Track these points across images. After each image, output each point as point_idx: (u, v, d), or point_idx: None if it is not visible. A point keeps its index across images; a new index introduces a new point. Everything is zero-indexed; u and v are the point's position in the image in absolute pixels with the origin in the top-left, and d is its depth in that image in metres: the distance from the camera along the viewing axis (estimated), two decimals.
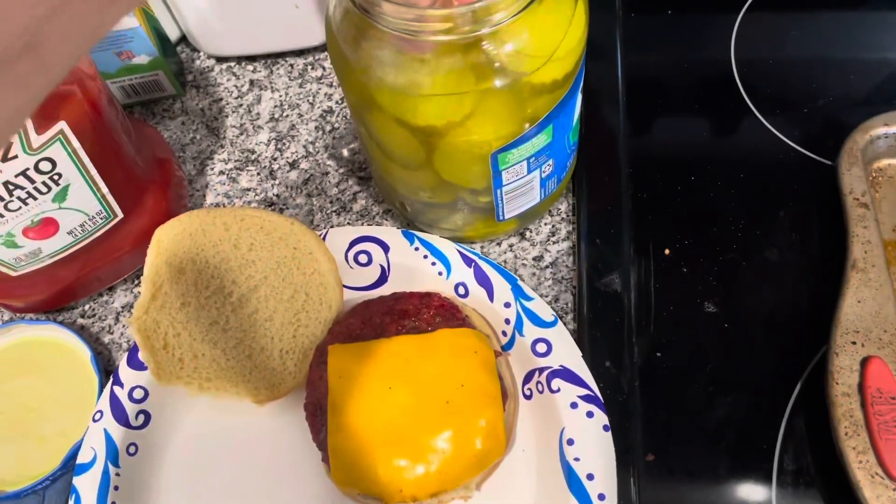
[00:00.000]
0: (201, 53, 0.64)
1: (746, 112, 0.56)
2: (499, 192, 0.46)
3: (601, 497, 0.43)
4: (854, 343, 0.44)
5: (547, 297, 0.52)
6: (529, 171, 0.46)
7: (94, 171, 0.46)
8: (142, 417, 0.48)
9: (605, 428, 0.45)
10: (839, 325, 0.44)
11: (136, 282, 0.54)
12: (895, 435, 0.41)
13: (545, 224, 0.54)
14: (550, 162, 0.47)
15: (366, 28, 0.39)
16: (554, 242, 0.53)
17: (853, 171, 0.49)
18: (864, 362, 0.43)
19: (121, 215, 0.50)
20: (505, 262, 0.53)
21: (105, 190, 0.48)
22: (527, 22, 0.39)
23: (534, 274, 0.53)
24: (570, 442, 0.45)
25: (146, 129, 0.54)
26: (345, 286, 0.51)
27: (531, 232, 0.54)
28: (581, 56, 0.43)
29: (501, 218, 0.50)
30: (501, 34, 0.38)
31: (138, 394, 0.48)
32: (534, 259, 0.53)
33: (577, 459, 0.44)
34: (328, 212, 0.56)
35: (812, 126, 0.55)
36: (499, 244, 0.54)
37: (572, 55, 0.42)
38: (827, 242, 0.50)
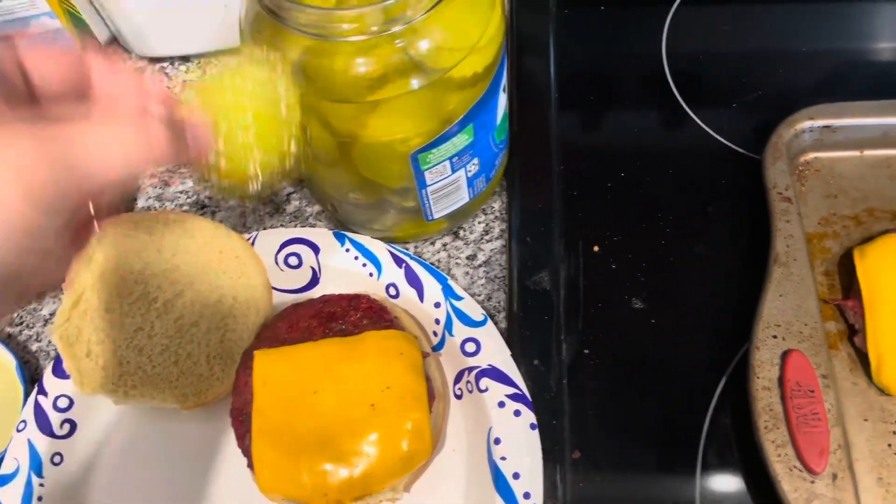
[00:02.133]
0: (132, 55, 0.63)
1: (677, 107, 0.56)
2: (423, 192, 0.46)
3: (526, 496, 0.43)
4: (775, 337, 0.44)
5: (480, 295, 0.52)
6: (454, 171, 0.46)
7: None
8: (67, 426, 0.48)
9: (532, 426, 0.45)
10: (761, 319, 0.44)
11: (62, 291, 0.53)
12: (813, 428, 0.41)
13: (479, 222, 0.54)
14: (476, 161, 0.47)
15: (277, 31, 0.39)
16: (487, 241, 0.53)
17: (777, 165, 0.49)
18: (785, 356, 0.43)
19: None
20: (438, 261, 0.53)
21: None
22: (442, 16, 0.38)
23: (467, 273, 0.52)
24: (497, 441, 0.45)
25: None
26: (276, 289, 0.51)
27: (465, 231, 0.54)
28: (500, 47, 0.43)
29: (430, 218, 0.50)
30: (416, 30, 0.38)
31: (63, 402, 0.47)
32: (467, 258, 0.53)
33: (503, 458, 0.44)
34: (261, 214, 0.55)
35: (741, 121, 0.55)
36: (432, 244, 0.54)
37: (491, 45, 0.41)
38: (754, 237, 0.50)
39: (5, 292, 0.25)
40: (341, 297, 0.48)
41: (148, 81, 0.30)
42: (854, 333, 0.46)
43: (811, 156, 0.52)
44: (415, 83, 0.39)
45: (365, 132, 0.41)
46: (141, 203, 0.56)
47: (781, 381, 0.43)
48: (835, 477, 0.40)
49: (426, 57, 0.39)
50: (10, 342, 0.52)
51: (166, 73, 0.62)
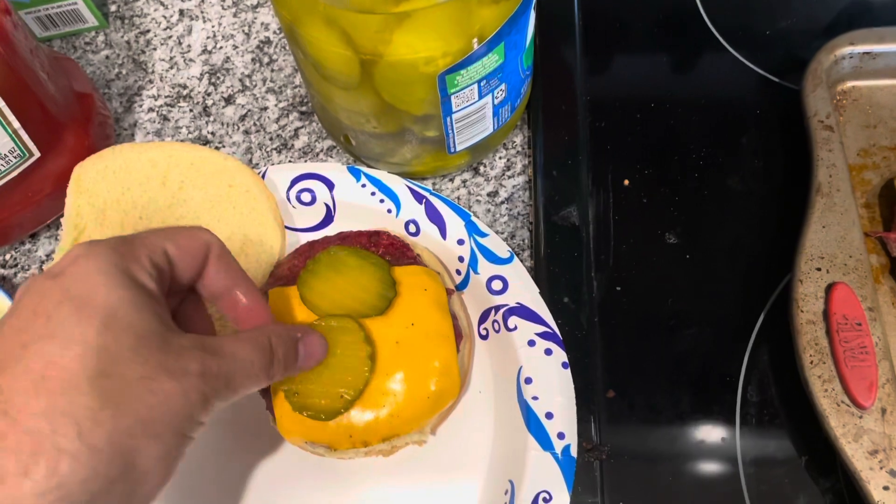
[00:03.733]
0: None
1: (708, 37, 0.53)
2: (448, 119, 0.43)
3: (560, 436, 0.41)
4: (819, 269, 0.42)
5: (503, 233, 0.49)
6: (481, 97, 0.43)
7: (2, 105, 0.42)
8: None
9: (564, 365, 0.43)
10: (804, 252, 0.42)
11: (60, 227, 0.50)
12: (861, 362, 0.40)
13: (500, 158, 0.51)
14: (503, 87, 0.44)
15: None
16: (509, 177, 0.51)
17: (818, 92, 0.46)
18: (829, 289, 0.41)
19: (37, 154, 0.45)
20: (458, 198, 0.50)
21: (17, 125, 0.43)
22: None
23: (489, 210, 0.50)
24: (528, 381, 0.43)
25: (63, 62, 0.49)
26: (289, 228, 0.48)
27: (485, 167, 0.51)
28: None
29: (453, 150, 0.47)
30: None
31: None
32: (488, 195, 0.50)
33: (535, 398, 0.42)
34: (268, 149, 0.52)
35: (775, 49, 0.53)
36: (451, 180, 0.51)
37: None
38: (791, 169, 0.48)
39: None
40: (360, 233, 0.45)
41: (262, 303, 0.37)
42: None
43: (849, 84, 0.49)
44: None
45: (390, 48, 0.38)
46: (139, 138, 0.53)
47: (826, 314, 0.41)
48: (884, 412, 0.39)
49: None
50: (5, 284, 0.49)
51: (161, 2, 0.58)
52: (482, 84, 0.42)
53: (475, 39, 0.38)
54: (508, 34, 0.40)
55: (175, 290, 0.34)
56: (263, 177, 0.48)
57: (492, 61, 0.41)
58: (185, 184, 0.45)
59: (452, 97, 0.41)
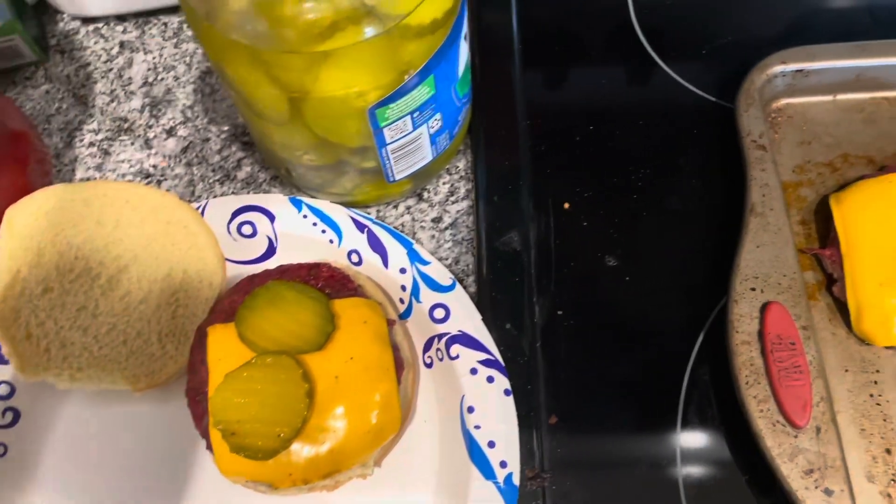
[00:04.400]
0: (65, 15, 0.59)
1: (645, 57, 0.54)
2: (384, 150, 0.43)
3: (503, 464, 0.41)
4: (753, 289, 0.42)
5: (447, 259, 0.49)
6: (415, 127, 0.43)
7: None
8: (10, 415, 0.44)
9: (507, 392, 0.43)
10: (738, 272, 0.43)
11: None
12: (795, 381, 0.40)
13: (443, 183, 0.51)
14: (438, 116, 0.44)
15: None
16: (453, 202, 0.51)
17: (751, 111, 0.47)
18: (764, 308, 0.42)
19: None
20: (402, 225, 0.50)
21: None
22: None
23: (433, 236, 0.50)
24: (471, 409, 0.43)
25: None
26: (230, 260, 0.48)
27: (429, 192, 0.51)
28: None
29: (392, 179, 0.47)
30: None
31: (4, 390, 0.44)
32: (433, 220, 0.50)
33: (477, 427, 0.42)
34: (210, 181, 0.52)
35: (711, 68, 0.53)
36: (395, 207, 0.51)
37: None
38: (729, 188, 0.48)
39: None
40: (300, 265, 0.45)
41: None
42: (832, 283, 0.45)
43: (784, 102, 0.50)
44: (368, 31, 0.36)
45: (316, 85, 0.38)
46: (80, 174, 0.53)
47: (761, 334, 0.41)
48: (818, 430, 0.39)
49: (380, 1, 0.36)
50: None
51: (102, 35, 0.58)
52: (415, 115, 0.42)
53: (403, 73, 0.39)
54: (437, 66, 0.40)
55: None
56: (204, 210, 0.48)
57: (422, 93, 0.41)
58: (120, 223, 0.45)
59: (385, 129, 0.41)
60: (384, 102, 0.39)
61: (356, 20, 0.36)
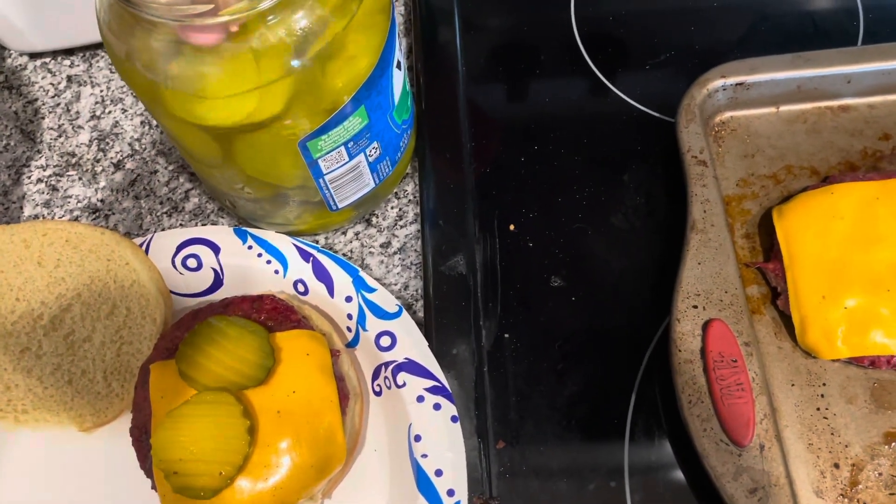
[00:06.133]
0: (12, 51, 0.58)
1: (589, 74, 0.54)
2: (321, 181, 0.43)
3: (450, 493, 0.41)
4: (696, 307, 0.42)
5: (396, 285, 0.49)
6: (351, 157, 0.43)
7: None
8: None
9: (454, 419, 0.43)
10: (680, 290, 0.43)
11: None
12: (738, 399, 0.40)
13: (392, 208, 0.51)
14: (376, 144, 0.44)
15: (134, 19, 0.35)
16: (402, 227, 0.51)
17: (691, 127, 0.47)
18: (706, 326, 0.42)
19: None
20: (351, 251, 0.50)
21: None
22: None
23: (382, 261, 0.50)
24: (418, 438, 0.42)
25: None
26: (176, 294, 0.48)
27: (377, 217, 0.51)
28: (387, 21, 0.40)
29: (335, 208, 0.47)
30: (286, 5, 0.35)
31: None
32: (381, 246, 0.50)
33: (424, 456, 0.42)
34: (158, 213, 0.52)
35: (655, 84, 0.53)
36: (344, 233, 0.51)
37: (375, 20, 0.38)
38: (672, 204, 0.48)
39: None
40: (244, 298, 0.45)
41: None
42: (777, 296, 0.45)
43: (727, 115, 0.50)
44: (294, 63, 0.36)
45: (241, 124, 0.37)
46: (28, 211, 0.52)
47: (703, 352, 0.41)
48: (762, 448, 0.39)
49: (301, 36, 0.36)
50: None
51: (49, 70, 0.58)
52: (349, 145, 0.42)
53: (332, 106, 0.38)
54: (368, 97, 0.40)
55: None
56: (149, 245, 0.48)
57: (355, 124, 0.41)
58: (61, 262, 0.44)
59: (319, 161, 0.41)
60: (315, 134, 0.39)
61: (277, 55, 0.36)
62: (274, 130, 0.38)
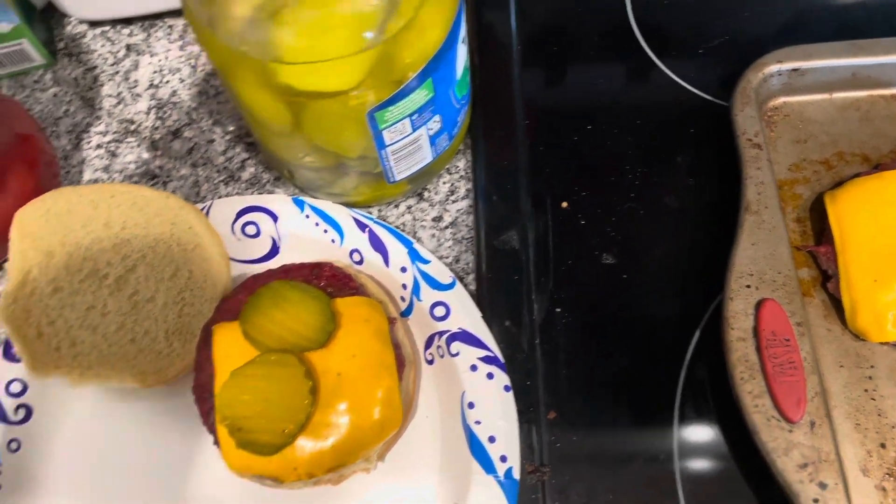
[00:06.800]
0: (73, 18, 0.59)
1: (643, 57, 0.54)
2: (384, 152, 0.44)
3: (503, 459, 0.42)
4: (749, 286, 0.43)
5: (448, 258, 0.50)
6: (414, 129, 0.44)
7: None
8: (22, 412, 0.45)
9: (506, 388, 0.44)
10: (734, 270, 0.43)
11: (4, 271, 0.51)
12: (790, 377, 0.41)
13: (444, 183, 0.52)
14: (437, 118, 0.45)
15: None
16: (453, 202, 0.52)
17: (746, 111, 0.48)
18: (759, 305, 0.42)
19: None
20: (403, 224, 0.51)
21: None
22: None
23: (433, 235, 0.51)
24: (471, 405, 0.43)
25: (4, 105, 0.50)
26: (234, 260, 0.49)
27: (429, 192, 0.52)
28: None
29: (392, 180, 0.48)
30: None
31: (16, 387, 0.45)
32: (433, 220, 0.51)
33: (478, 423, 0.43)
34: (215, 182, 0.53)
35: (709, 68, 0.54)
36: (396, 206, 0.52)
37: None
38: (725, 186, 0.49)
39: None
40: (303, 265, 0.46)
41: None
42: (827, 280, 0.45)
43: (780, 100, 0.51)
44: (375, 35, 0.37)
45: (316, 92, 0.38)
46: (87, 175, 0.54)
47: (756, 330, 0.42)
48: (812, 425, 0.40)
49: (385, 8, 0.37)
50: None
51: (108, 38, 0.59)
52: (414, 118, 0.43)
53: (402, 77, 0.39)
54: (436, 70, 0.41)
55: None
56: (208, 211, 0.49)
57: (421, 96, 0.41)
58: (127, 224, 0.46)
59: (384, 132, 0.42)
60: (383, 106, 0.40)
61: (361, 26, 0.37)
62: (344, 100, 0.39)
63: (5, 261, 0.49)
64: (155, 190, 0.46)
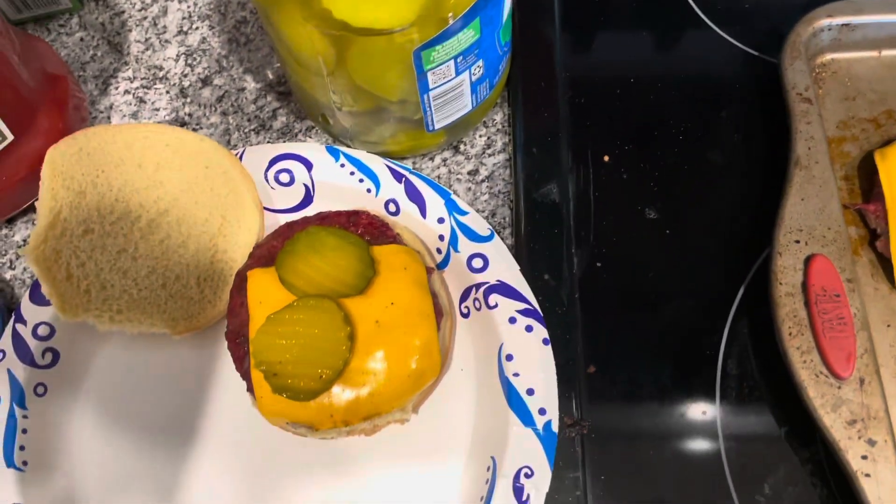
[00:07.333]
0: None
1: (687, 11, 0.53)
2: (426, 96, 0.43)
3: (542, 412, 0.41)
4: (798, 242, 0.42)
5: (483, 211, 0.49)
6: (458, 73, 0.43)
7: None
8: (49, 356, 0.45)
9: (545, 342, 0.43)
10: (782, 224, 0.42)
11: (36, 212, 0.50)
12: (839, 333, 0.40)
13: (480, 136, 0.51)
14: (480, 63, 0.44)
15: None
16: (490, 155, 0.50)
17: (796, 65, 0.46)
18: (808, 261, 0.41)
19: (11, 137, 0.45)
20: (438, 177, 0.50)
21: None
22: None
23: (469, 188, 0.50)
24: (510, 357, 0.43)
25: (36, 44, 0.48)
26: (267, 209, 0.48)
27: (465, 145, 0.51)
28: None
29: (431, 128, 0.46)
30: None
31: (43, 331, 0.44)
32: (469, 173, 0.50)
33: (516, 375, 0.42)
34: (246, 130, 0.52)
35: (755, 23, 0.52)
36: (431, 159, 0.51)
37: None
38: (771, 142, 0.48)
39: None
40: (339, 213, 0.45)
41: None
42: (875, 238, 0.44)
43: (828, 57, 0.49)
44: None
45: (362, 19, 0.37)
46: (115, 121, 0.53)
47: (805, 286, 0.41)
48: (862, 382, 0.39)
49: None
50: None
51: None
52: (458, 60, 0.41)
53: (450, 14, 0.38)
54: (484, 9, 0.40)
55: None
56: (241, 158, 0.48)
57: (468, 37, 0.40)
58: (160, 166, 0.44)
59: (429, 74, 0.41)
60: (430, 44, 0.39)
61: None
62: (391, 37, 0.38)
63: (36, 200, 0.47)
64: (189, 132, 0.45)
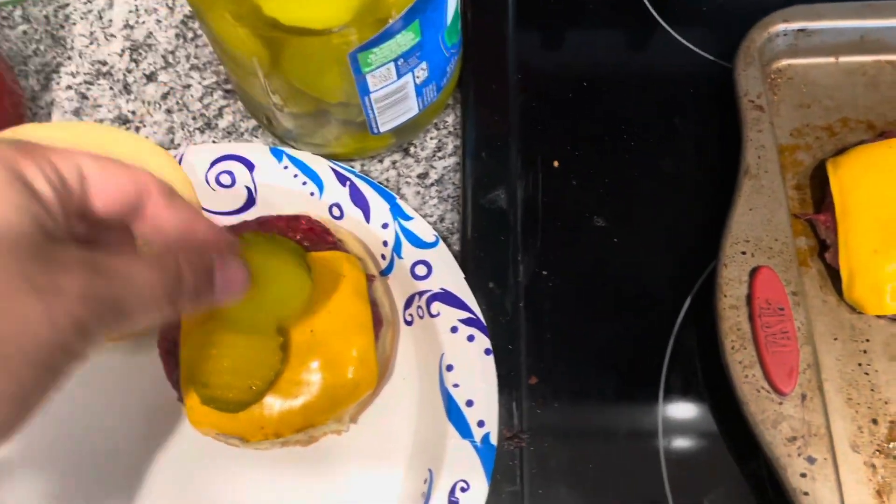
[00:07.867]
0: None
1: (644, 14, 0.52)
2: (367, 99, 0.42)
3: (480, 424, 0.40)
4: (744, 253, 0.41)
5: (432, 216, 0.48)
6: (400, 76, 0.41)
7: None
8: None
9: (487, 352, 0.42)
10: (729, 235, 0.42)
11: None
12: (782, 347, 0.39)
13: (431, 139, 0.50)
14: (424, 65, 0.42)
15: None
16: (440, 158, 0.49)
17: (749, 71, 0.45)
18: (754, 272, 0.41)
19: None
20: (387, 180, 0.49)
21: None
22: None
23: (418, 192, 0.49)
24: (450, 368, 0.42)
25: None
26: (208, 211, 0.46)
27: (416, 147, 0.50)
28: None
29: (376, 131, 0.45)
30: None
31: None
32: (418, 176, 0.49)
33: (456, 386, 0.41)
34: (191, 129, 0.50)
35: (712, 26, 0.51)
36: (380, 161, 0.49)
37: None
38: (724, 150, 0.47)
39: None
40: (279, 217, 0.44)
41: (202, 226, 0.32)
42: (825, 249, 0.44)
43: (784, 62, 0.48)
44: None
45: (293, 17, 0.36)
46: (56, 118, 0.51)
47: (750, 298, 0.40)
48: (804, 397, 0.38)
49: None
50: None
51: None
52: (399, 63, 0.40)
53: (386, 14, 0.37)
54: (424, 11, 0.38)
55: (88, 218, 0.29)
56: (181, 159, 0.46)
57: (407, 39, 0.39)
58: None
59: (368, 76, 0.40)
60: (367, 46, 0.38)
61: None
62: (326, 38, 0.37)
63: None
64: (127, 133, 0.44)
